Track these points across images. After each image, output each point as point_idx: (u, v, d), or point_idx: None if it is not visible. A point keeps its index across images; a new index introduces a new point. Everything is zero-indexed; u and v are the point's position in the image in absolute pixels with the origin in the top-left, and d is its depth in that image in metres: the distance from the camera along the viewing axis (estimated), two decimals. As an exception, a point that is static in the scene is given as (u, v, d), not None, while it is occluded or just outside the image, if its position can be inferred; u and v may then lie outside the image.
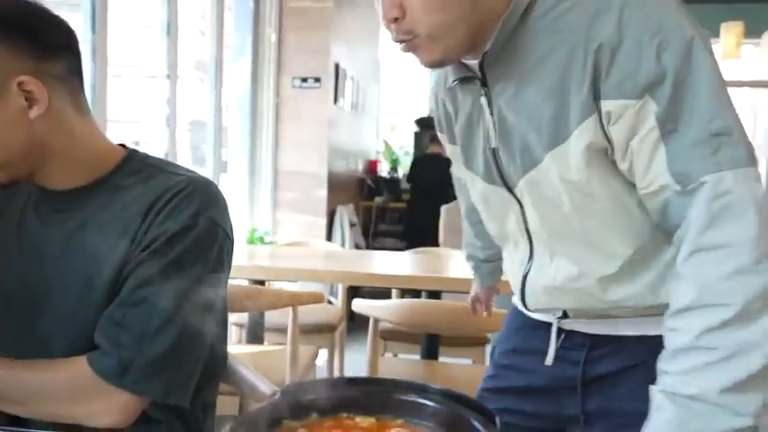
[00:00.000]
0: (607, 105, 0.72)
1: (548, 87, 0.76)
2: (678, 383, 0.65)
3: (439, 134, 1.04)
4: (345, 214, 4.21)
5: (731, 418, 0.63)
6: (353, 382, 0.68)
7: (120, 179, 0.89)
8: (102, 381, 0.81)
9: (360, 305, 1.65)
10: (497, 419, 0.60)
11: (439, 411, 0.64)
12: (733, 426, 0.63)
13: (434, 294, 2.21)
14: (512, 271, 0.97)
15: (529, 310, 0.95)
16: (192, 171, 0.94)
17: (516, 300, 1.00)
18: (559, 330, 0.92)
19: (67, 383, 0.83)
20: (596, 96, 0.72)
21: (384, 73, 6.41)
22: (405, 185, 5.16)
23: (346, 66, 4.25)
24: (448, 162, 1.08)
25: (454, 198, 1.26)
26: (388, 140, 6.55)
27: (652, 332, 0.79)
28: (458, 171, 1.03)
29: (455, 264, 2.56)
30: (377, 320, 1.69)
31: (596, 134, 0.74)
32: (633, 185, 0.76)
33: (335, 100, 4.04)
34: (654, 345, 0.70)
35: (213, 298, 0.88)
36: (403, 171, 5.87)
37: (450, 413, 0.63)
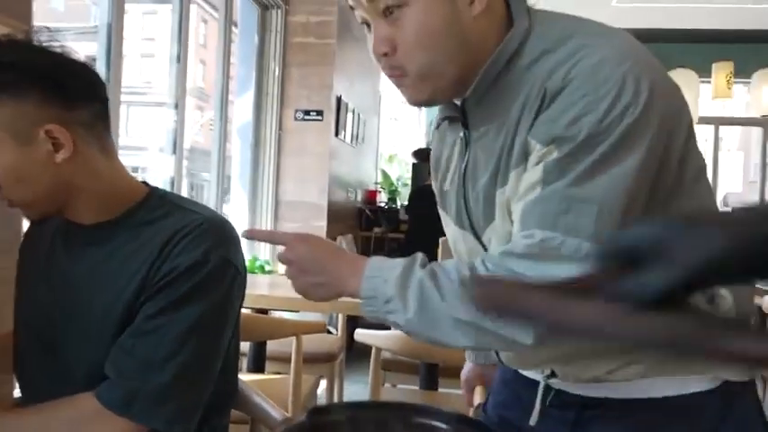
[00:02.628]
0: (530, 143, 0.72)
1: (505, 129, 0.75)
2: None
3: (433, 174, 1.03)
4: (344, 244, 4.26)
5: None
6: (371, 405, 0.72)
7: (143, 215, 0.95)
8: (108, 411, 0.84)
9: (362, 335, 1.70)
10: None
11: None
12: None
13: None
14: None
15: (504, 365, 0.91)
16: (209, 209, 0.99)
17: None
18: (548, 387, 0.84)
19: (71, 416, 0.87)
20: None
21: (384, 105, 6.52)
22: (403, 216, 5.23)
23: (348, 99, 4.35)
24: None
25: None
26: (386, 171, 6.63)
27: (670, 392, 0.72)
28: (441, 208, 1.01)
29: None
30: (379, 350, 1.73)
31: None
32: None
33: (337, 132, 4.13)
34: (673, 408, 0.66)
35: (222, 331, 0.92)
36: (401, 202, 5.94)
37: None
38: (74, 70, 0.91)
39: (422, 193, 4.65)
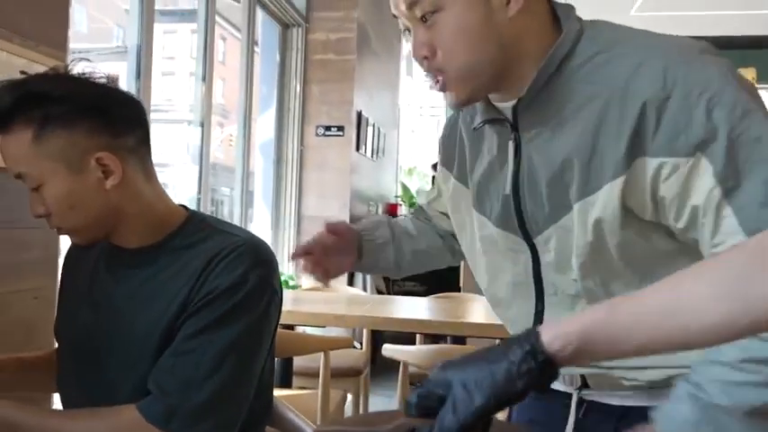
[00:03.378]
0: (654, 163, 0.70)
1: (581, 138, 0.75)
2: (709, 388, 0.61)
3: (440, 169, 1.02)
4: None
5: None
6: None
7: (183, 239, 0.98)
8: (149, 424, 0.87)
9: (390, 350, 1.71)
10: None
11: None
12: None
13: (459, 339, 2.26)
14: (515, 331, 0.91)
15: None
16: (247, 231, 1.02)
17: None
18: (581, 400, 0.83)
19: (114, 424, 0.89)
20: (637, 154, 0.71)
21: (402, 117, 6.56)
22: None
23: (368, 114, 4.39)
24: None
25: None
26: (406, 184, 6.65)
27: None
28: (458, 211, 0.98)
29: (478, 308, 2.61)
30: (406, 365, 1.74)
31: (630, 191, 0.72)
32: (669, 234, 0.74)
33: (357, 147, 4.17)
34: None
35: (258, 350, 0.95)
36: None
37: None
38: (119, 99, 0.95)
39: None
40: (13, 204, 1.39)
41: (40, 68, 1.49)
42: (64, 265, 1.12)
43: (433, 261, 1.17)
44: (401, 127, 6.61)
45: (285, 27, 3.92)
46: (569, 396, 0.85)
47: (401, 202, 6.22)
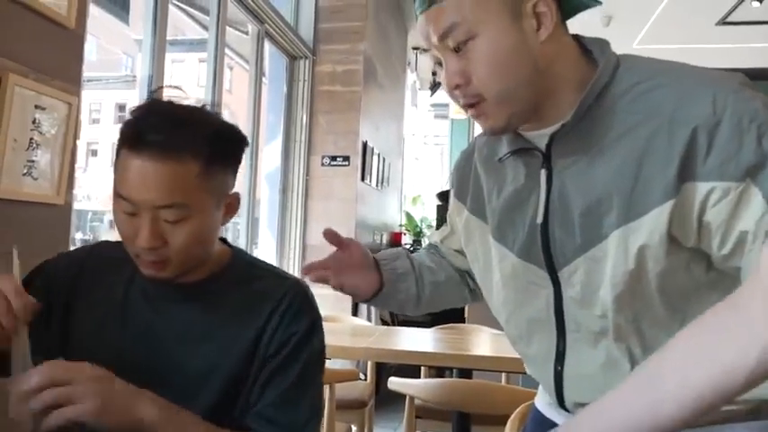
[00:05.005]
0: (705, 188, 0.70)
1: (623, 165, 0.75)
2: None
3: (453, 201, 1.02)
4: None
5: None
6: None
7: (231, 275, 0.99)
8: None
9: (396, 383, 1.70)
10: None
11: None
12: None
13: (465, 372, 2.24)
14: (532, 369, 0.92)
15: (566, 409, 0.87)
16: (282, 270, 1.07)
17: (546, 400, 0.92)
18: None
19: None
20: (686, 178, 0.71)
21: (407, 148, 6.61)
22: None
23: (373, 144, 4.43)
24: None
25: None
26: (410, 212, 6.67)
27: None
28: (471, 243, 0.97)
29: (484, 340, 2.60)
30: (412, 398, 1.73)
31: (677, 216, 0.72)
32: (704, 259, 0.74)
33: (363, 177, 4.19)
34: None
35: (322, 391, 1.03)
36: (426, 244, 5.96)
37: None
38: None
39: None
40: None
41: (53, 102, 1.52)
42: (74, 272, 1.01)
43: (451, 295, 1.14)
44: (405, 156, 6.66)
45: (292, 59, 3.98)
46: None
47: (405, 231, 6.24)
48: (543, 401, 0.97)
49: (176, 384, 0.93)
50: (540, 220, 0.83)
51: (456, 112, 6.62)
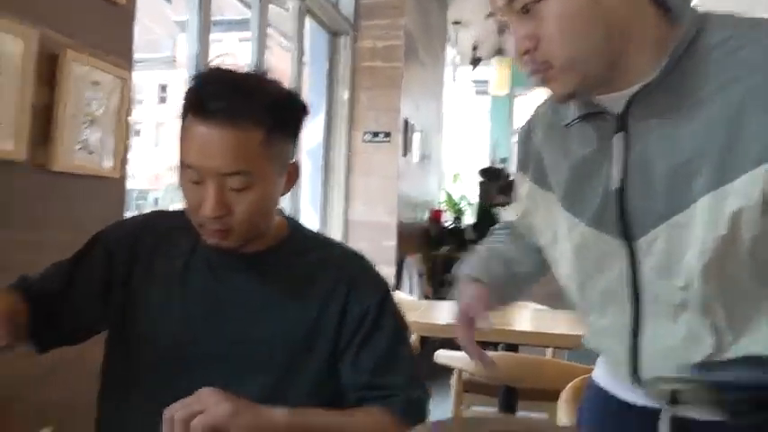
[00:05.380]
0: None
1: (716, 123, 0.72)
2: None
3: (517, 173, 1.00)
4: (413, 263, 4.28)
5: None
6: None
7: (290, 247, 1.01)
8: (405, 426, 0.90)
9: (444, 357, 1.70)
10: None
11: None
12: None
13: (512, 347, 2.23)
14: (604, 342, 0.89)
15: (640, 384, 0.83)
16: (339, 241, 1.11)
17: (611, 373, 0.90)
18: (675, 418, 0.78)
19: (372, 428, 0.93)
20: None
21: (447, 124, 6.55)
22: (470, 236, 5.20)
23: (414, 120, 4.40)
24: None
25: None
26: (449, 191, 6.63)
27: None
28: (536, 212, 0.95)
29: (525, 316, 2.58)
30: (461, 372, 1.73)
31: None
32: None
33: (404, 153, 4.18)
34: None
35: None
36: (467, 221, 5.92)
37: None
38: None
39: (491, 212, 4.63)
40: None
41: (107, 77, 1.55)
42: (131, 243, 1.01)
43: (537, 275, 1.12)
44: (445, 134, 6.61)
45: (333, 35, 3.97)
46: (658, 413, 0.81)
47: (445, 208, 6.21)
48: (607, 375, 0.93)
49: (241, 353, 0.94)
50: (614, 186, 0.80)
51: (497, 88, 6.51)
